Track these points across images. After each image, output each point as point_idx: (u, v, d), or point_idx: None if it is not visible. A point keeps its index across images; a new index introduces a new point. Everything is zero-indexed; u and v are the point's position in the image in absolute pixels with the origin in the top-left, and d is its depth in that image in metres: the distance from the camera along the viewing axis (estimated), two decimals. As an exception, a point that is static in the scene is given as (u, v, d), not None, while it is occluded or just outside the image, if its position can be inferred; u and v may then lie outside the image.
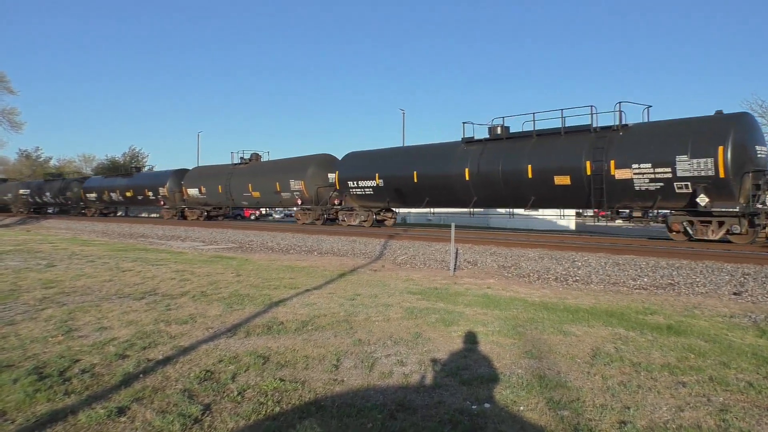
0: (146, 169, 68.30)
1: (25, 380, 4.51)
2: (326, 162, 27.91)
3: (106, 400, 4.14)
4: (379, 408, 4.02)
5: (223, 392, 4.35)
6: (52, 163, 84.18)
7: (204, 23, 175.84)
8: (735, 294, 9.10)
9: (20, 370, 4.81)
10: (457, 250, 13.83)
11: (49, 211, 53.36)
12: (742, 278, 9.79)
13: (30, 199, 51.34)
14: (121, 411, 3.93)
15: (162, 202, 38.07)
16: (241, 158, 33.72)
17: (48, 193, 49.27)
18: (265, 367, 5.02)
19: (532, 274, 11.59)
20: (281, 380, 4.62)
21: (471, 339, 6.10)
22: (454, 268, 12.36)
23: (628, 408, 4.06)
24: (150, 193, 38.80)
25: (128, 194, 40.85)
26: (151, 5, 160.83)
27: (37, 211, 52.71)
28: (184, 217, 37.03)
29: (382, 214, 25.90)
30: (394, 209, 26.37)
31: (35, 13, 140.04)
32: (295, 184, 27.66)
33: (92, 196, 45.05)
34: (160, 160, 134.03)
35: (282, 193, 28.54)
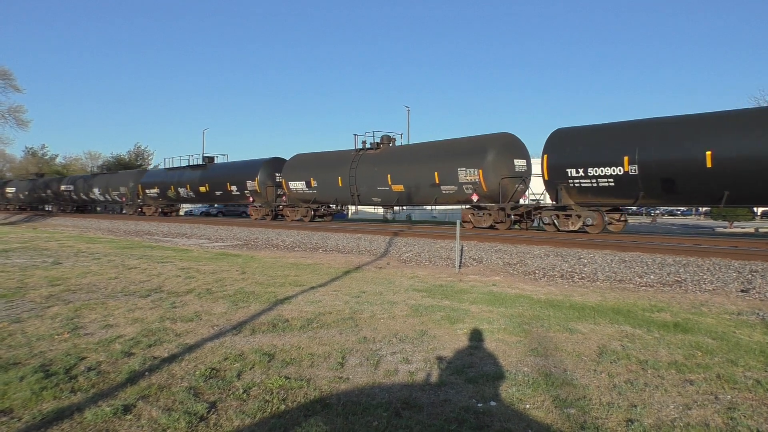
0: (152, 166, 68.37)
1: (31, 378, 4.52)
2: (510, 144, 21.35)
3: (112, 398, 4.14)
4: (384, 406, 4.01)
5: (229, 390, 4.35)
6: (58, 160, 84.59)
7: (210, 21, 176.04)
8: (743, 291, 9.04)
9: (27, 367, 4.82)
10: (462, 247, 13.80)
11: (98, 209, 51.31)
12: (750, 275, 9.73)
13: (74, 196, 48.82)
14: (127, 409, 3.93)
15: (251, 198, 31.70)
16: (364, 142, 26.33)
17: (96, 189, 44.96)
18: (270, 364, 5.02)
19: (537, 272, 11.56)
20: (287, 378, 4.62)
21: (476, 336, 6.08)
22: (460, 266, 12.33)
23: (635, 406, 4.04)
24: (233, 188, 32.29)
25: (202, 189, 34.81)
26: (156, 3, 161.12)
27: (81, 210, 50.91)
28: (279, 217, 31.35)
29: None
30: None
31: (41, 12, 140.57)
32: (469, 174, 20.80)
33: (153, 192, 39.81)
34: (165, 157, 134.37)
35: (442, 186, 21.83)
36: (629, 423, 3.73)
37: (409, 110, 76.11)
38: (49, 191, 51.52)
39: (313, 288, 9.40)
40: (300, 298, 8.38)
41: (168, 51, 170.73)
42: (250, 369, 4.88)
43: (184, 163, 37.94)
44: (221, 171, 34.17)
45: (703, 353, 5.43)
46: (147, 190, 40.11)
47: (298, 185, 28.61)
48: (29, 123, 53.05)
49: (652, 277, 10.34)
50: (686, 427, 3.68)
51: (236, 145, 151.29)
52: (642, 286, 9.92)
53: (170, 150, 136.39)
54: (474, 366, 5.02)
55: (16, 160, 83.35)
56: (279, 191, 30.59)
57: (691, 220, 55.50)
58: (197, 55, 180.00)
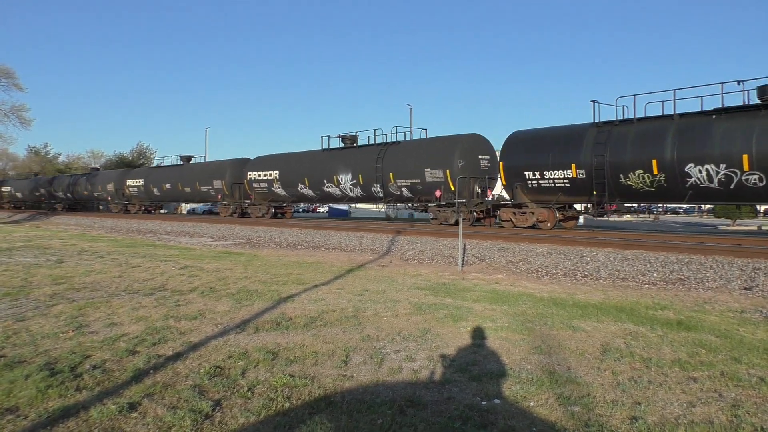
0: (155, 164, 68.45)
1: (36, 376, 4.54)
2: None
3: (117, 396, 4.16)
4: (388, 404, 4.02)
5: (233, 388, 4.36)
6: (61, 159, 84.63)
7: (213, 18, 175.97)
8: (746, 289, 9.03)
9: (32, 366, 4.84)
10: (465, 245, 13.80)
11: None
12: (753, 273, 9.72)
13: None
14: (132, 407, 3.95)
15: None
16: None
17: (188, 187, 39.95)
18: (274, 363, 5.03)
19: (540, 270, 11.55)
20: (291, 376, 4.63)
21: (480, 335, 6.09)
22: (462, 264, 12.34)
23: (639, 404, 4.04)
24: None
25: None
26: (160, 2, 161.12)
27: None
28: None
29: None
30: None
31: (43, 10, 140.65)
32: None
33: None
34: (168, 155, 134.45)
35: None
36: (633, 420, 3.73)
37: (411, 108, 76.08)
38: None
39: (316, 286, 9.41)
40: (303, 297, 8.39)
41: (171, 49, 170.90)
42: (255, 367, 4.90)
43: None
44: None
45: (706, 351, 5.43)
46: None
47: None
48: (32, 122, 53.26)
49: (655, 275, 10.33)
50: (690, 424, 3.68)
51: (245, 140, 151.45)
52: (645, 284, 9.92)
53: (173, 148, 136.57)
54: (477, 364, 5.02)
55: (19, 159, 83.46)
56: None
57: (693, 218, 55.39)
58: (200, 53, 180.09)
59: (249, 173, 32.32)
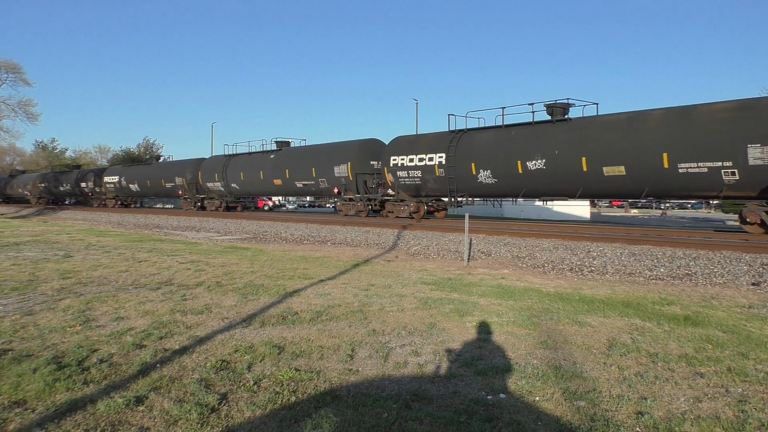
0: (162, 159, 68.64)
1: (44, 369, 4.57)
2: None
3: (124, 390, 4.18)
4: (394, 398, 4.03)
5: (239, 382, 4.38)
6: (68, 154, 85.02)
7: (220, 14, 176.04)
8: (753, 284, 8.98)
9: (39, 359, 4.87)
10: (470, 240, 13.78)
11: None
12: (761, 268, 9.66)
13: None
14: (139, 400, 3.97)
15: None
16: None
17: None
18: (280, 357, 5.04)
19: (546, 265, 11.53)
20: (296, 370, 4.64)
21: (485, 329, 6.08)
22: (468, 259, 12.32)
23: (645, 399, 4.03)
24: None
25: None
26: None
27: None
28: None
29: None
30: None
31: (50, 5, 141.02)
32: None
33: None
34: (174, 150, 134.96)
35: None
36: (639, 415, 3.72)
37: (417, 103, 76.14)
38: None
39: (322, 281, 9.43)
40: (309, 291, 8.40)
41: (178, 44, 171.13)
42: (261, 361, 4.91)
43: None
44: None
45: (713, 346, 5.40)
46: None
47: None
48: (39, 116, 53.46)
49: (662, 270, 10.29)
50: (697, 419, 3.67)
51: (250, 135, 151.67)
52: (652, 279, 9.88)
53: (179, 143, 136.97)
54: (483, 358, 5.02)
55: (27, 154, 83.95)
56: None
57: (701, 213, 55.11)
58: (207, 48, 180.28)
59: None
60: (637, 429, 3.55)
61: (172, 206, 49.98)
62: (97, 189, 46.07)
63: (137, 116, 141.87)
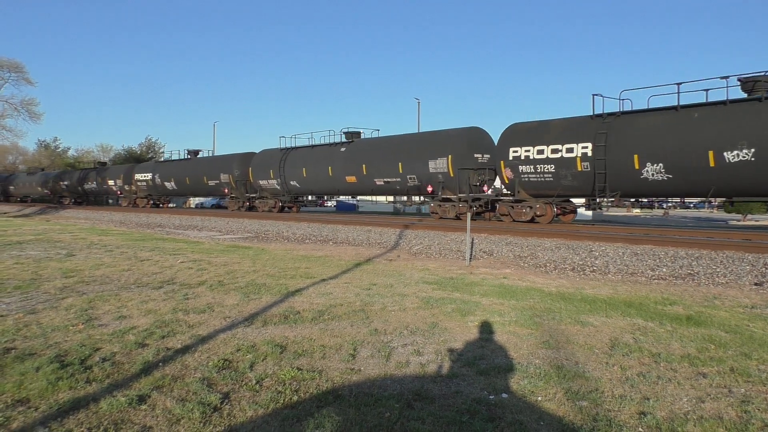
0: (162, 158, 68.65)
1: (47, 368, 4.58)
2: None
3: (127, 388, 4.19)
4: (396, 397, 4.03)
5: (242, 381, 4.38)
6: (71, 153, 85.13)
7: (221, 13, 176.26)
8: (756, 284, 8.97)
9: (42, 358, 4.88)
10: (472, 239, 13.77)
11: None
12: (764, 268, 9.64)
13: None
14: (142, 399, 3.97)
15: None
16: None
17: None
18: (282, 356, 5.05)
19: (548, 264, 11.52)
20: (299, 369, 4.64)
21: (487, 329, 6.08)
22: (470, 258, 12.32)
23: (648, 399, 4.03)
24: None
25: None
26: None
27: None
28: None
29: None
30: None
31: (52, 4, 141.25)
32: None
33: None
34: (176, 149, 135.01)
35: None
36: (642, 416, 3.72)
37: (419, 102, 76.24)
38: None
39: (323, 280, 9.43)
40: (311, 291, 8.41)
41: (179, 43, 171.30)
42: (263, 360, 4.92)
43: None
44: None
45: (716, 346, 5.39)
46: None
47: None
48: (41, 116, 53.16)
49: (664, 270, 10.27)
50: (699, 420, 3.66)
51: (252, 133, 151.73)
52: (654, 279, 9.87)
53: (181, 142, 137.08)
54: (485, 358, 5.02)
55: (29, 153, 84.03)
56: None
57: (704, 213, 55.02)
58: (208, 47, 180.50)
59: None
60: (640, 429, 3.54)
61: (217, 203, 46.54)
62: (127, 187, 43.07)
63: (139, 115, 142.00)
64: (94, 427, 3.52)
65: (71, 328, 6.03)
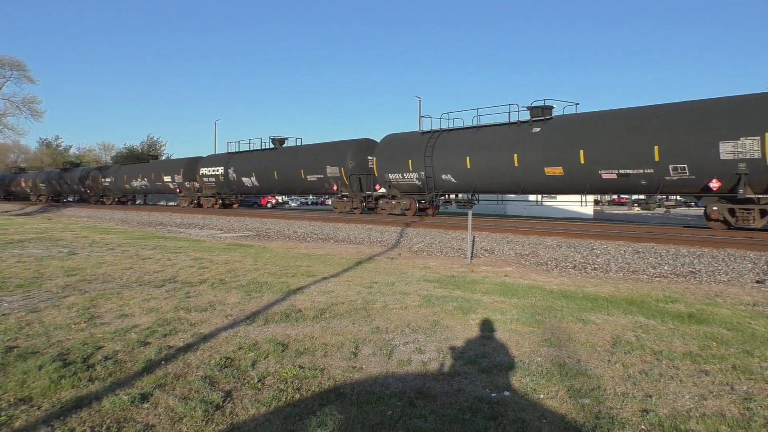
0: (164, 157, 68.63)
1: (49, 367, 4.58)
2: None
3: (130, 387, 4.19)
4: (398, 395, 4.03)
5: (244, 379, 4.39)
6: (72, 151, 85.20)
7: (222, 10, 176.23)
8: (758, 282, 8.96)
9: (45, 356, 4.89)
10: (473, 238, 13.77)
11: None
12: (766, 266, 9.63)
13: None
14: (144, 397, 3.98)
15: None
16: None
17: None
18: (284, 354, 5.05)
19: (550, 262, 11.52)
20: (300, 367, 4.65)
21: (489, 327, 6.08)
22: (471, 256, 12.31)
23: (650, 396, 4.03)
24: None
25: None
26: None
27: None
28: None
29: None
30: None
31: (54, 2, 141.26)
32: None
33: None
34: (177, 148, 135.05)
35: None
36: (644, 413, 3.72)
37: (420, 100, 76.36)
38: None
39: (325, 278, 9.43)
40: (312, 289, 8.41)
41: (181, 42, 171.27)
42: (265, 358, 4.92)
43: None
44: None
45: (718, 344, 5.39)
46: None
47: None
48: (43, 114, 53.34)
49: (666, 267, 10.26)
50: (702, 417, 3.66)
51: (253, 132, 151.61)
52: (656, 276, 9.86)
53: (182, 141, 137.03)
54: (487, 356, 5.02)
55: (31, 151, 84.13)
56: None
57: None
58: (210, 45, 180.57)
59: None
60: (642, 427, 3.55)
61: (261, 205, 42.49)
62: (188, 184, 35.71)
63: (140, 114, 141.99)
64: (97, 425, 3.53)
65: (73, 326, 6.04)
